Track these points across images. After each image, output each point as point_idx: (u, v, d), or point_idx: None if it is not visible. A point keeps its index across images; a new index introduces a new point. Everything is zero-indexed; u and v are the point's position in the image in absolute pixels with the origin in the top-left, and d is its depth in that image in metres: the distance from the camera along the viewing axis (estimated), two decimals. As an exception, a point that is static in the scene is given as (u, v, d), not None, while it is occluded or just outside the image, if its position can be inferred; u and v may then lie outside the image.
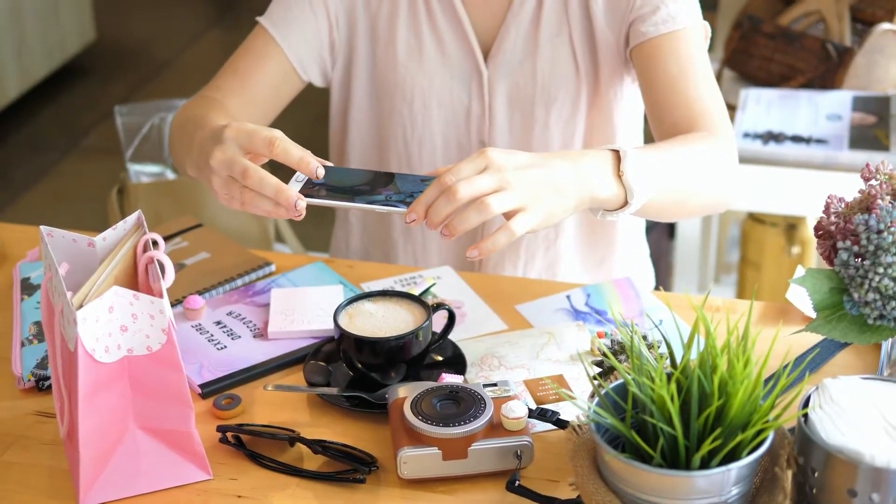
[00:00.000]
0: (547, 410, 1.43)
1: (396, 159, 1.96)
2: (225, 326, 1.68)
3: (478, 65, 1.88)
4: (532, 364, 1.59)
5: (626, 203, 1.52)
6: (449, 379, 1.49)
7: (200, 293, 1.76)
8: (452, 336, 1.60)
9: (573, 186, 1.46)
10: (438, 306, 1.57)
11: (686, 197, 1.66)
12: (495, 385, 1.44)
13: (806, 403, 1.26)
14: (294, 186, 1.47)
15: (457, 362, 1.58)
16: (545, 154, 1.48)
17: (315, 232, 3.72)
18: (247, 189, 1.46)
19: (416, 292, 1.68)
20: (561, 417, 1.43)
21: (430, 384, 1.43)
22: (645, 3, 1.78)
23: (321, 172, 1.47)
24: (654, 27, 1.76)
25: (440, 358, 1.59)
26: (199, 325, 1.68)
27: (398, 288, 1.77)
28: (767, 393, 1.23)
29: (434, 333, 1.56)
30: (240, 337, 1.65)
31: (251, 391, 1.55)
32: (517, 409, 1.37)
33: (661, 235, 3.32)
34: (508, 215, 1.43)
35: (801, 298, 1.67)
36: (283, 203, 1.44)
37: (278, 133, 1.48)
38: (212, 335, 1.66)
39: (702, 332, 1.27)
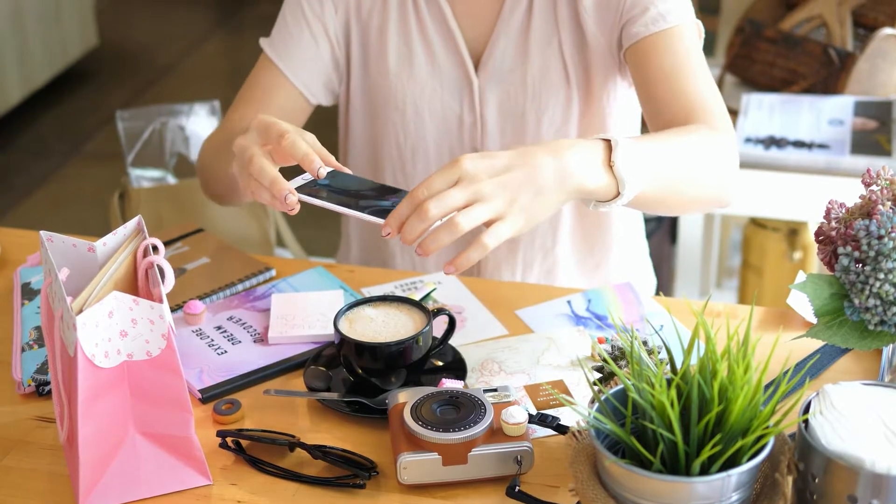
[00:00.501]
0: (547, 416, 1.42)
1: (390, 166, 1.97)
2: (225, 331, 1.68)
3: (468, 74, 1.89)
4: (532, 369, 1.58)
5: (618, 193, 1.50)
6: (449, 384, 1.48)
7: (201, 298, 1.76)
8: (453, 341, 1.60)
9: (557, 183, 1.43)
10: (439, 311, 1.56)
11: (683, 187, 1.63)
12: (495, 390, 1.43)
13: (806, 409, 1.26)
14: (295, 182, 1.49)
15: (457, 367, 1.57)
16: (528, 149, 1.44)
17: (318, 236, 3.71)
18: (252, 177, 1.49)
19: (417, 297, 1.68)
20: (561, 423, 1.42)
21: (430, 389, 1.42)
22: (635, 4, 1.78)
23: (323, 172, 1.48)
24: (645, 27, 1.76)
25: (440, 363, 1.58)
26: (200, 329, 1.68)
27: (399, 293, 1.77)
28: (768, 399, 1.22)
29: (434, 338, 1.55)
30: (240, 342, 1.65)
31: (251, 396, 1.55)
32: (517, 415, 1.37)
33: (663, 240, 3.32)
34: (487, 224, 1.41)
35: (802, 304, 1.66)
36: (275, 195, 1.46)
37: (303, 133, 1.51)
38: (212, 340, 1.66)
39: (702, 338, 1.27)
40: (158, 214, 2.52)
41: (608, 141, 1.49)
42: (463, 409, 1.39)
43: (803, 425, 1.24)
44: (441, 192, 1.39)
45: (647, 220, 3.18)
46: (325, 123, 1.96)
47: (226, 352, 1.63)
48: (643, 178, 1.51)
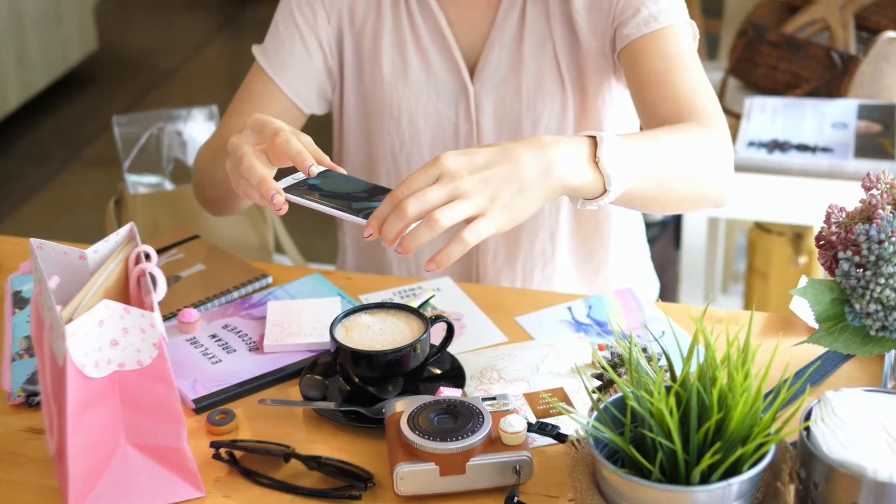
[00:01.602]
0: (547, 424, 1.41)
1: (386, 175, 1.96)
2: (220, 340, 1.66)
3: (464, 82, 1.89)
4: (532, 377, 1.57)
5: (604, 190, 1.47)
6: (447, 393, 1.47)
7: (196, 306, 1.75)
8: (451, 349, 1.59)
9: (540, 179, 1.41)
10: (437, 318, 1.55)
11: (674, 183, 1.60)
12: (494, 399, 1.42)
13: (808, 416, 1.25)
14: (285, 182, 1.48)
15: (455, 376, 1.56)
16: (510, 144, 1.42)
17: (318, 243, 3.71)
18: (242, 176, 1.49)
19: (415, 304, 1.67)
20: (561, 431, 1.41)
21: (427, 398, 1.41)
22: (626, 6, 1.77)
23: (314, 170, 1.48)
24: (637, 28, 1.76)
25: (438, 371, 1.57)
26: (194, 338, 1.67)
27: (397, 300, 1.76)
28: (768, 406, 1.22)
29: (432, 346, 1.54)
30: (235, 350, 1.64)
31: (246, 406, 1.54)
32: (516, 424, 1.36)
33: (668, 245, 3.33)
34: (468, 221, 1.39)
35: (804, 309, 1.65)
36: (262, 194, 1.46)
37: (298, 133, 1.51)
38: (206, 349, 1.64)
39: (702, 344, 1.27)
40: (155, 221, 2.51)
41: (594, 137, 1.47)
42: (461, 417, 1.37)
43: (804, 433, 1.24)
44: (420, 190, 1.38)
45: (650, 225, 3.19)
46: (321, 129, 1.95)
47: (220, 360, 1.62)
48: (631, 174, 1.49)
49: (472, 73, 1.89)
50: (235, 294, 1.79)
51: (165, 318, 1.69)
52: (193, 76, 5.65)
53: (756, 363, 1.23)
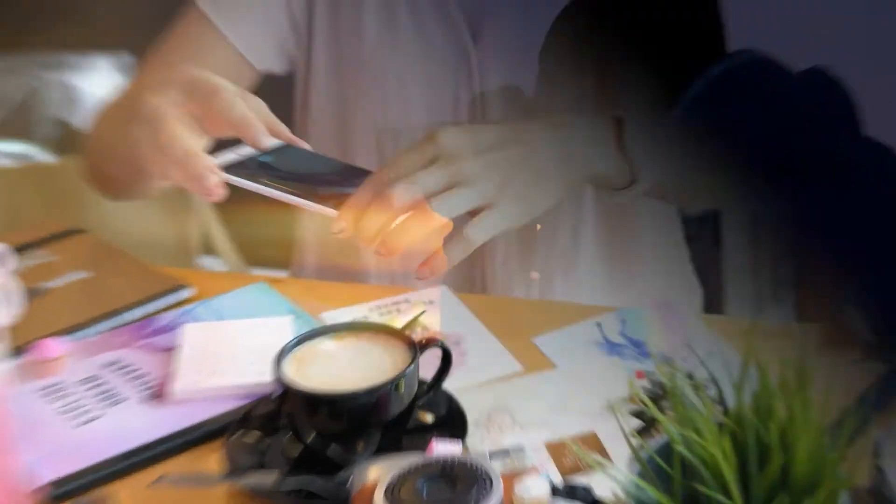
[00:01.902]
0: (576, 487, 1.36)
1: (365, 154, 2.03)
2: (100, 385, 1.59)
3: (464, 45, 1.98)
4: (556, 419, 1.55)
5: (633, 180, 1.59)
6: (442, 448, 1.39)
7: (66, 333, 1.68)
8: (448, 384, 1.53)
9: (559, 165, 1.51)
10: (428, 343, 1.49)
11: (711, 173, 1.74)
12: (507, 453, 1.43)
13: (877, 452, 1.32)
14: (224, 158, 1.50)
15: (453, 423, 1.51)
16: (524, 125, 1.52)
17: (269, 239, 3.66)
18: (161, 149, 1.50)
19: (400, 324, 1.69)
20: (596, 498, 1.37)
21: (414, 459, 1.33)
22: None
23: (266, 142, 1.50)
24: None
25: (430, 418, 1.52)
26: (58, 385, 1.59)
27: (375, 318, 1.77)
28: (833, 442, 1.23)
29: (421, 383, 1.49)
30: (124, 400, 1.56)
31: (134, 488, 1.44)
32: (536, 488, 1.32)
33: (708, 244, 3.43)
34: (472, 214, 1.44)
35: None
36: (189, 173, 1.46)
37: (246, 95, 1.56)
38: (75, 401, 1.55)
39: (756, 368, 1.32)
40: (15, 205, 2.56)
41: (617, 119, 1.59)
42: (460, 483, 1.30)
43: (878, 474, 1.31)
44: (411, 173, 1.43)
45: (687, 222, 3.28)
46: (278, 93, 1.99)
47: (96, 418, 1.53)
48: (661, 162, 1.62)
49: (474, 35, 1.98)
50: (132, 314, 1.75)
51: (12, 354, 1.61)
52: (99, 13, 5.65)
53: (815, 387, 1.25)
